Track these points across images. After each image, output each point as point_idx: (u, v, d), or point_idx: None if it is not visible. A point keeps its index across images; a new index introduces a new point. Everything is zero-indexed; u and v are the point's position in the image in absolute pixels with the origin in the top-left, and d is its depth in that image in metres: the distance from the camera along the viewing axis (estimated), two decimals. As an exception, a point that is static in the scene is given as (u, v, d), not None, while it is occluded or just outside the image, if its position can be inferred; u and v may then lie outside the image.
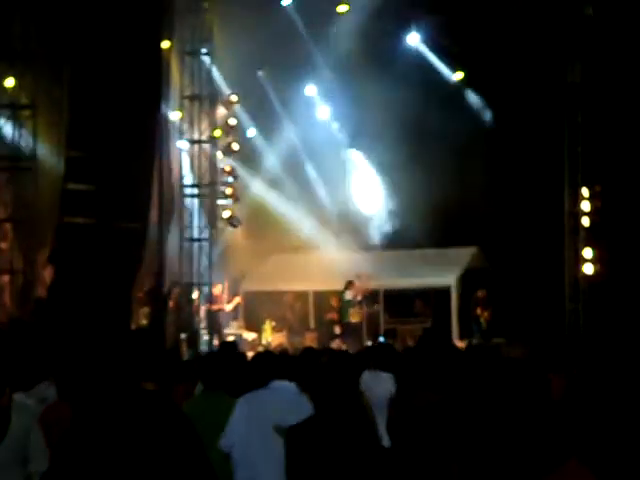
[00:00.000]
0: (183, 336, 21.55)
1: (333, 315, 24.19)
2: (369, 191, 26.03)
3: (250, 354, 11.07)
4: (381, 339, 22.39)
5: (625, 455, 2.71)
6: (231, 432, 6.96)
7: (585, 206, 22.10)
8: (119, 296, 16.92)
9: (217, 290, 23.69)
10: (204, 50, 23.57)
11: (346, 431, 5.43)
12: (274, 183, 26.37)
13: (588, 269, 21.94)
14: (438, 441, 5.79)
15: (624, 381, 2.89)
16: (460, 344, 16.63)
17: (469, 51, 24.44)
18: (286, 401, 7.02)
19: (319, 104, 26.81)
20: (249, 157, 26.17)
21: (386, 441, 6.38)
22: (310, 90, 26.51)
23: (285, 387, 7.12)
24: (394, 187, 25.36)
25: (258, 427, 6.95)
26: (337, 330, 23.63)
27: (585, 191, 22.06)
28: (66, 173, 17.58)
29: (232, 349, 10.81)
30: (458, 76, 25.28)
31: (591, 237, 22.12)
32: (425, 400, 6.41)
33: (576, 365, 7.26)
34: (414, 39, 25.49)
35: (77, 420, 4.88)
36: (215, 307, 23.23)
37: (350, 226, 25.27)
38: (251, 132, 26.23)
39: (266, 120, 26.09)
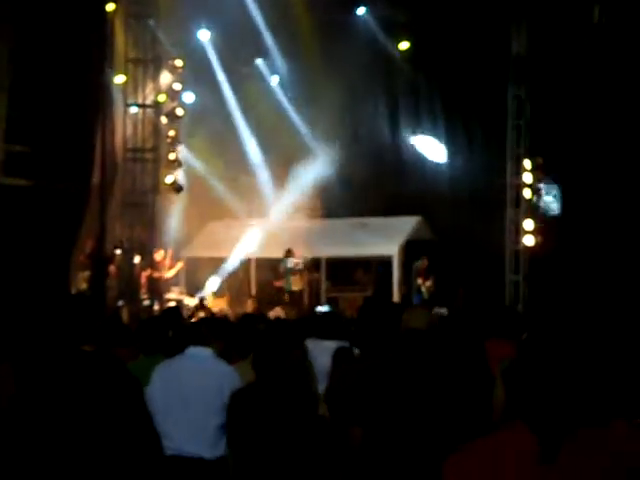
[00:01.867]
0: (123, 301, 21.44)
1: (280, 283, 24.11)
2: (314, 160, 25.94)
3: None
4: (324, 308, 22.34)
5: (560, 413, 2.77)
6: (148, 402, 6.87)
7: (527, 178, 22.26)
8: (59, 259, 16.76)
9: (159, 256, 23.53)
10: (149, 13, 23.26)
11: (282, 399, 5.38)
12: (217, 149, 26.15)
13: (529, 241, 22.12)
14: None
15: (565, 346, 2.94)
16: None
17: (415, 23, 24.34)
18: (201, 367, 7.01)
19: (266, 73, 26.62)
20: (193, 122, 25.93)
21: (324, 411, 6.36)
22: (258, 59, 26.30)
23: (201, 353, 7.09)
24: (339, 156, 25.29)
25: (175, 395, 6.91)
26: (286, 298, 23.58)
27: (527, 163, 22.22)
28: (6, 134, 17.33)
29: (175, 314, 10.80)
30: (404, 46, 25.18)
31: (532, 209, 22.30)
32: (360, 368, 6.42)
33: (519, 333, 7.33)
34: (361, 10, 25.38)
35: (19, 380, 4.85)
36: (156, 275, 23.08)
37: (293, 194, 25.18)
38: (189, 97, 25.40)
39: (210, 86, 25.82)
